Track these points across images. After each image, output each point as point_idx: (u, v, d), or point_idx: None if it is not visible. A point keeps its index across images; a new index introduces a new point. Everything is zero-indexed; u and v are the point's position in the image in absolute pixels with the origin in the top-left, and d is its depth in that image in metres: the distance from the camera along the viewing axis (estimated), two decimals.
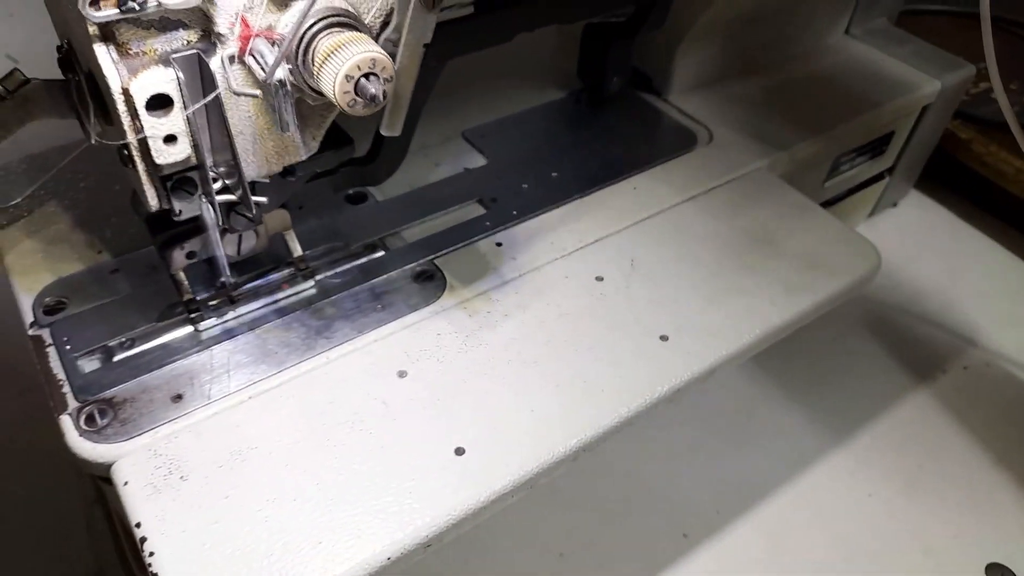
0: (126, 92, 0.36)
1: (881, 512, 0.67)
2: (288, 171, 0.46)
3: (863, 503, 0.67)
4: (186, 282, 0.49)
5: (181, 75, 0.37)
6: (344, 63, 0.36)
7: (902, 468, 0.70)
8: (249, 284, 0.52)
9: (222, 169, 0.42)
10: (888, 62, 0.82)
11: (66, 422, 0.45)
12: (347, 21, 0.38)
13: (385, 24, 0.41)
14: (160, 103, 0.37)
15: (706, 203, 0.63)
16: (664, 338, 0.53)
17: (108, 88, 0.36)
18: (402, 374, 0.49)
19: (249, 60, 0.37)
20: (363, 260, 0.56)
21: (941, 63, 0.82)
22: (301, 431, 0.45)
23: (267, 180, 0.45)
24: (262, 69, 0.37)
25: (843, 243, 0.61)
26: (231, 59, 0.38)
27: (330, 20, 0.37)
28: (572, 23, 0.61)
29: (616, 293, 0.55)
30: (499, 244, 0.58)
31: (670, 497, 0.67)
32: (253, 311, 0.52)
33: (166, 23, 0.36)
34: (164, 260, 0.48)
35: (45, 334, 0.49)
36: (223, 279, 0.50)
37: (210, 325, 0.50)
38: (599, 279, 0.56)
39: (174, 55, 0.37)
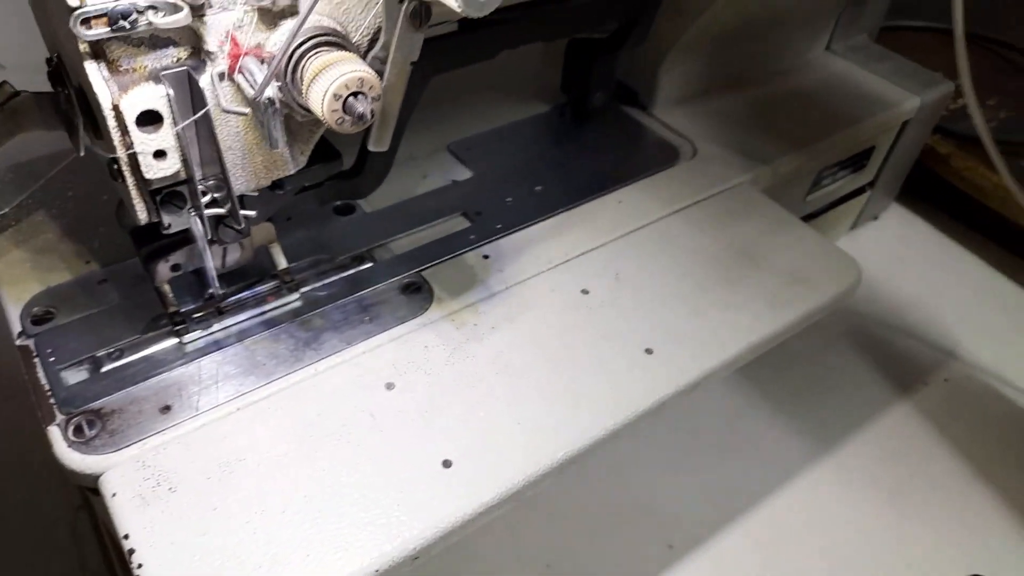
0: (116, 108, 0.36)
1: (864, 523, 0.68)
2: (277, 185, 0.46)
3: (846, 514, 0.68)
4: (171, 295, 0.50)
5: (171, 92, 0.37)
6: (332, 82, 0.36)
7: (884, 479, 0.71)
8: (234, 296, 0.52)
9: (211, 183, 0.42)
10: (869, 78, 0.84)
11: (54, 433, 0.45)
12: (335, 40, 0.38)
13: (373, 42, 0.41)
14: (150, 119, 0.38)
15: (690, 217, 0.64)
16: (649, 351, 0.53)
17: (98, 104, 0.36)
18: (390, 386, 0.49)
19: (238, 78, 0.38)
20: (351, 272, 0.56)
21: (921, 79, 0.84)
22: (289, 443, 0.46)
23: (255, 194, 0.46)
24: (251, 87, 0.37)
25: (824, 258, 0.62)
26: (221, 76, 0.38)
27: (319, 39, 0.38)
28: (555, 40, 0.62)
29: (602, 306, 0.56)
30: (486, 256, 0.59)
31: (656, 508, 0.68)
32: (238, 323, 0.52)
33: (156, 41, 0.37)
34: (149, 273, 0.49)
35: (32, 344, 0.50)
36: (211, 291, 0.50)
37: (195, 337, 0.50)
38: (585, 292, 0.57)
39: (164, 72, 0.37)
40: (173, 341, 0.50)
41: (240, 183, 0.43)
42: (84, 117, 0.39)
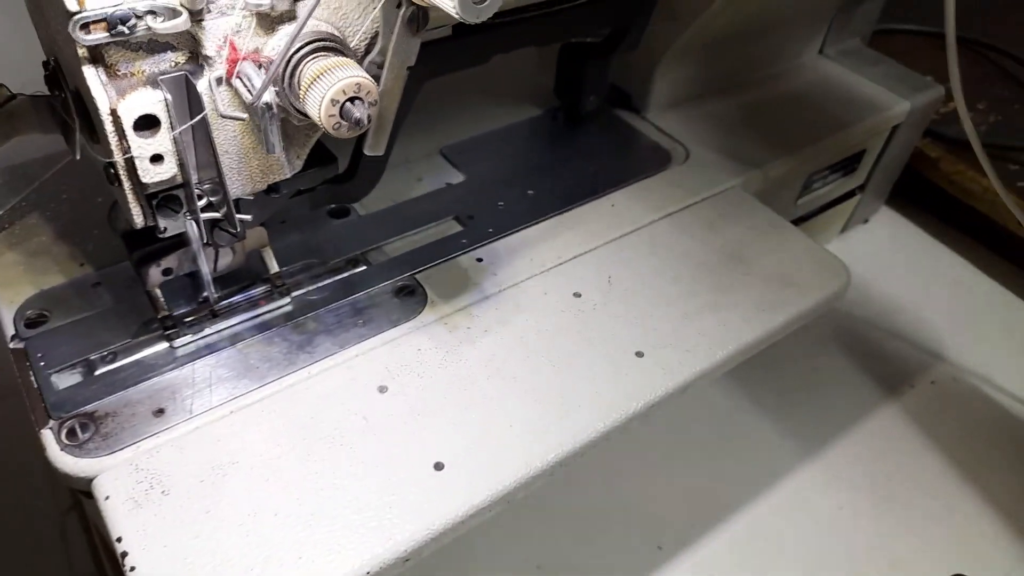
0: (114, 113, 0.36)
1: (850, 524, 0.68)
2: (272, 188, 0.46)
3: (833, 515, 0.69)
4: (162, 299, 0.49)
5: (168, 96, 0.37)
6: (330, 87, 0.36)
7: (871, 481, 0.71)
8: (226, 300, 0.52)
9: (207, 187, 0.42)
10: (860, 82, 0.84)
11: (47, 436, 0.45)
12: (333, 45, 0.39)
13: (370, 47, 0.41)
14: (147, 124, 0.38)
15: (682, 221, 0.64)
16: (640, 354, 0.54)
17: (96, 109, 0.36)
18: (383, 389, 0.50)
19: (236, 83, 0.38)
20: (344, 275, 0.56)
21: (911, 84, 0.84)
22: (282, 446, 0.46)
23: (251, 197, 0.46)
24: (249, 92, 0.38)
25: (814, 261, 0.62)
26: (218, 81, 0.38)
27: (316, 44, 0.38)
28: (548, 45, 0.62)
29: (594, 309, 0.56)
30: (480, 260, 0.59)
31: (645, 509, 0.68)
32: (230, 327, 0.52)
33: (155, 45, 0.37)
34: (140, 277, 0.49)
35: (24, 348, 0.50)
36: (205, 294, 0.50)
37: (186, 342, 0.50)
38: (577, 295, 0.57)
39: (162, 77, 0.37)
40: (164, 345, 0.50)
41: (236, 187, 0.44)
42: (81, 121, 0.40)
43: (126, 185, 0.40)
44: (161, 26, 0.35)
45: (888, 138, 0.84)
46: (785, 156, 0.73)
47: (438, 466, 0.46)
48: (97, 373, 0.48)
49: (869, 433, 0.75)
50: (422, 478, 0.45)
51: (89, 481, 0.43)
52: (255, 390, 0.48)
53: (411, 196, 0.65)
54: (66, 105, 0.41)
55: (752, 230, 0.64)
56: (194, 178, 0.41)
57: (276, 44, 0.38)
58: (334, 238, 0.59)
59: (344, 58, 0.38)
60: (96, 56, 0.36)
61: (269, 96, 0.37)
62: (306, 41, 0.38)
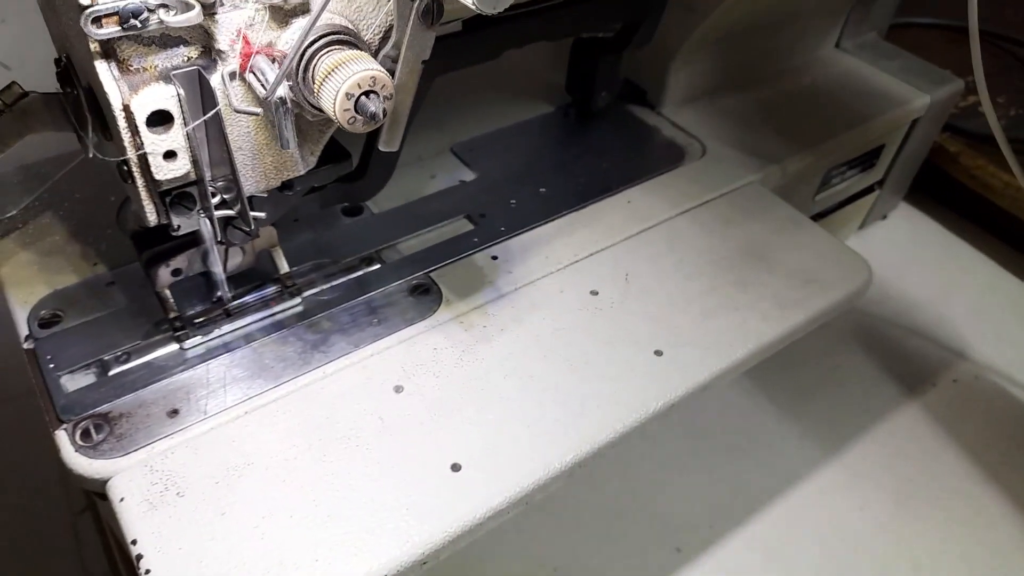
0: (127, 108, 0.36)
1: (872, 525, 0.67)
2: (286, 185, 0.46)
3: (854, 516, 0.68)
4: (172, 299, 0.49)
5: (181, 92, 0.37)
6: (344, 81, 0.36)
7: (892, 481, 0.70)
8: (237, 301, 0.52)
9: (220, 184, 0.42)
10: (878, 76, 0.83)
11: (61, 437, 0.44)
12: (347, 39, 0.38)
13: (384, 40, 0.41)
14: (160, 119, 0.37)
15: (700, 217, 0.64)
16: (659, 353, 0.53)
17: (109, 104, 0.36)
18: (398, 389, 0.49)
19: (249, 77, 0.37)
20: (359, 273, 0.56)
21: (930, 77, 0.83)
22: (298, 447, 0.45)
23: (265, 195, 0.45)
24: (262, 86, 0.37)
25: (835, 258, 0.61)
26: (232, 76, 0.38)
27: (330, 38, 0.37)
28: (560, 40, 0.61)
29: (611, 307, 0.55)
30: (495, 257, 0.58)
31: (663, 511, 0.67)
32: (239, 328, 0.51)
33: (167, 40, 0.36)
34: (149, 277, 0.48)
35: (35, 349, 0.49)
36: (219, 293, 0.50)
37: (196, 343, 0.50)
38: (594, 293, 0.56)
39: (175, 72, 0.37)
40: (174, 347, 0.50)
41: (250, 184, 0.43)
42: (93, 118, 0.39)
43: (139, 182, 0.39)
44: (173, 20, 0.34)
45: (907, 133, 0.83)
46: (803, 151, 0.72)
47: (455, 467, 0.45)
48: (111, 373, 0.48)
49: (890, 433, 0.74)
50: (439, 479, 0.45)
51: (104, 483, 0.43)
52: (270, 390, 0.48)
53: (424, 194, 0.64)
54: (78, 102, 0.40)
55: (771, 226, 0.63)
56: (207, 175, 0.41)
57: (289, 38, 0.38)
58: (347, 236, 0.59)
59: (358, 51, 0.37)
60: (108, 51, 0.35)
61: (283, 90, 0.37)
62: (320, 34, 0.37)
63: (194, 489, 0.43)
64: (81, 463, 0.43)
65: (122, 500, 0.42)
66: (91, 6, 0.33)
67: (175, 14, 0.34)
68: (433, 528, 0.42)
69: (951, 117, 0.88)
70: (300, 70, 0.37)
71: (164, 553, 0.40)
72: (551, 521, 0.66)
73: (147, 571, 0.39)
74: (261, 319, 0.52)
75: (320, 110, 0.38)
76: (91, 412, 0.46)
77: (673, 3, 0.65)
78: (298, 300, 0.53)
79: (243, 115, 0.40)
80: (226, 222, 0.44)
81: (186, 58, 0.37)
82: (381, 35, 0.41)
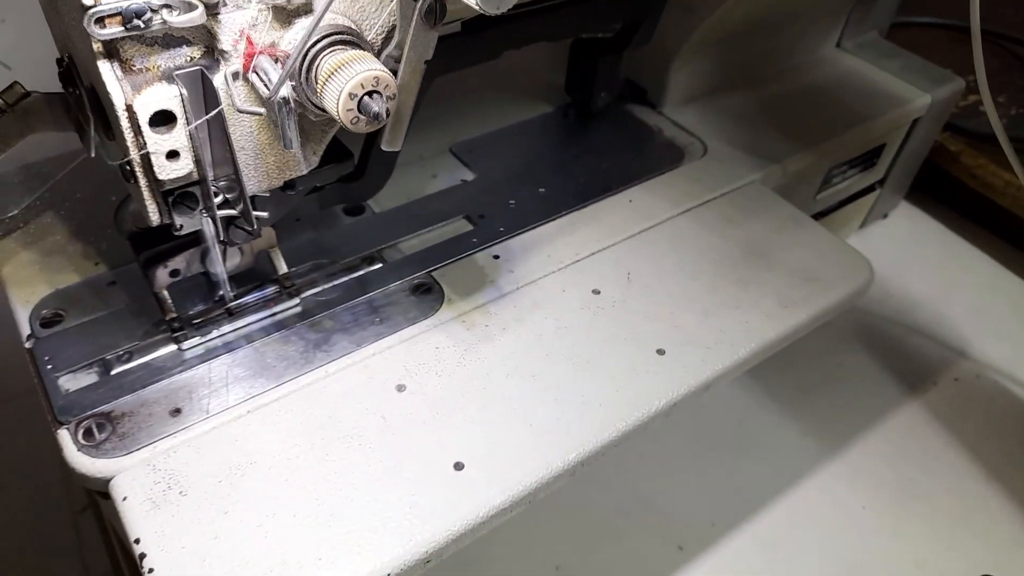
0: (129, 108, 0.36)
1: (874, 524, 0.67)
2: (288, 185, 0.46)
3: (856, 515, 0.68)
4: (170, 300, 0.49)
5: (184, 92, 0.37)
6: (348, 81, 0.36)
7: (894, 480, 0.70)
8: (235, 302, 0.51)
9: (223, 183, 0.42)
10: (879, 75, 0.83)
11: (63, 436, 0.44)
12: (350, 39, 0.38)
13: (387, 40, 0.41)
14: (163, 119, 0.37)
15: (701, 216, 0.64)
16: (661, 352, 0.53)
17: (111, 104, 0.36)
18: (401, 388, 0.49)
19: (252, 77, 0.38)
20: (360, 273, 0.56)
21: (931, 76, 0.83)
22: (300, 446, 0.45)
23: (267, 194, 0.45)
24: (265, 86, 0.37)
25: (836, 257, 0.61)
26: (235, 76, 0.38)
27: (333, 38, 0.37)
28: (559, 40, 0.61)
29: (613, 306, 0.55)
30: (496, 257, 0.58)
31: (665, 509, 0.67)
32: (240, 328, 0.51)
33: (170, 40, 0.36)
34: (147, 278, 0.48)
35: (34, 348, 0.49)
36: (221, 293, 0.50)
37: (194, 344, 0.50)
38: (596, 292, 0.56)
39: (177, 72, 0.37)
40: (172, 348, 0.50)
41: (252, 184, 0.43)
42: (96, 118, 0.39)
43: (142, 182, 0.39)
44: (176, 20, 0.34)
45: (908, 132, 0.83)
46: (804, 150, 0.72)
47: (458, 466, 0.45)
48: (113, 373, 0.48)
49: (891, 431, 0.74)
50: (442, 478, 0.45)
51: (106, 482, 0.43)
52: (272, 389, 0.48)
53: (426, 193, 0.64)
54: (80, 102, 0.40)
55: (773, 225, 0.63)
56: (210, 175, 0.41)
57: (293, 38, 0.38)
58: (349, 236, 0.59)
59: (362, 51, 0.38)
60: (111, 51, 0.35)
61: (286, 90, 0.37)
62: (323, 34, 0.37)
63: (197, 488, 0.43)
64: (84, 462, 0.43)
65: (125, 499, 0.42)
66: (94, 6, 0.33)
67: (178, 14, 0.34)
68: (436, 527, 0.42)
69: (952, 116, 0.88)
70: (303, 70, 0.37)
71: (167, 552, 0.40)
72: (553, 519, 0.66)
73: (150, 570, 0.39)
74: (260, 320, 0.52)
75: (323, 110, 0.38)
76: (90, 412, 0.46)
77: (673, 4, 0.65)
78: (296, 301, 0.53)
79: (246, 115, 0.40)
80: (228, 222, 0.44)
81: (189, 58, 0.37)
82: (384, 35, 0.41)
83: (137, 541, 0.41)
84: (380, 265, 0.57)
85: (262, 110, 0.39)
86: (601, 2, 0.61)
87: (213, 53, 0.37)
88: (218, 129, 0.39)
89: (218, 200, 0.42)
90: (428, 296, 0.55)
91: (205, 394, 0.47)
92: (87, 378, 0.48)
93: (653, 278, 0.58)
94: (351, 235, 0.59)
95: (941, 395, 0.77)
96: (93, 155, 0.41)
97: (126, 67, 0.36)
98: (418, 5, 0.38)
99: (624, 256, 0.59)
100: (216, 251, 0.46)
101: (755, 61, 0.79)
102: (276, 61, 0.37)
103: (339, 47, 0.37)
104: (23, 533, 0.74)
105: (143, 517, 0.41)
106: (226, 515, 0.42)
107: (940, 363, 0.80)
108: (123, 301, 0.52)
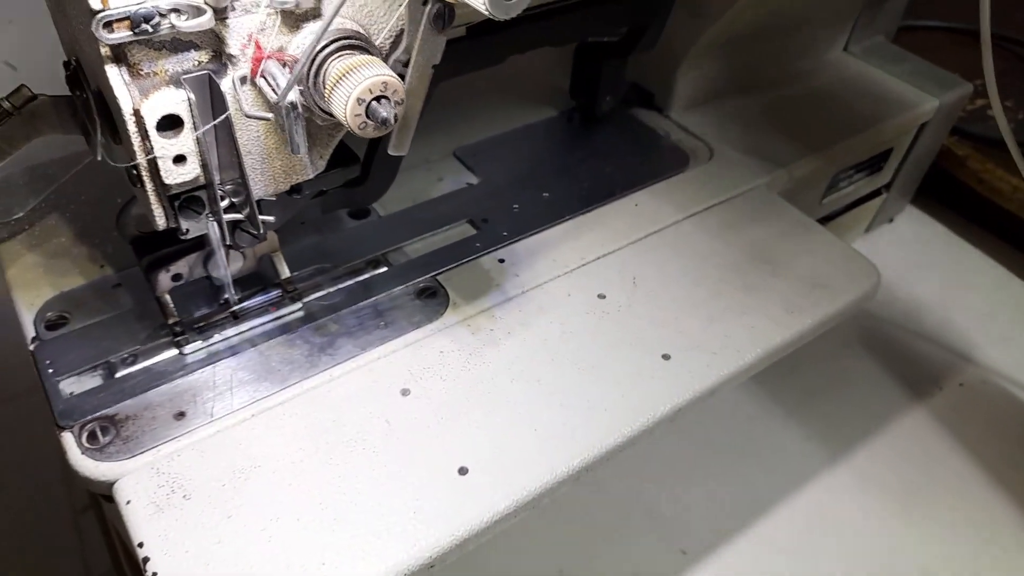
0: (137, 113, 0.36)
1: (878, 528, 0.67)
2: (295, 189, 0.46)
3: (860, 519, 0.68)
4: (172, 305, 0.49)
5: (192, 96, 0.37)
6: (356, 86, 0.36)
7: (899, 485, 0.70)
8: (238, 306, 0.51)
9: (229, 188, 0.42)
10: (886, 80, 0.83)
11: (67, 439, 0.44)
12: (358, 43, 0.38)
13: (395, 45, 0.41)
14: (170, 124, 0.37)
15: (707, 221, 0.63)
16: (667, 357, 0.53)
17: (119, 108, 0.36)
18: (405, 392, 0.49)
19: (260, 82, 0.37)
20: (365, 276, 0.56)
21: (938, 81, 0.83)
22: (304, 449, 0.45)
23: (273, 198, 0.45)
24: (273, 91, 0.37)
25: (843, 262, 0.61)
26: (242, 80, 0.38)
27: (341, 43, 0.37)
28: (564, 45, 0.61)
29: (619, 311, 0.55)
30: (501, 260, 0.58)
31: (669, 513, 0.67)
32: (243, 333, 0.51)
33: (178, 44, 0.36)
34: (149, 283, 0.48)
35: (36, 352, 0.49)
36: (226, 296, 0.50)
37: (195, 348, 0.50)
38: (601, 297, 0.56)
39: (185, 76, 0.37)
40: (173, 352, 0.49)
41: (259, 188, 0.43)
42: (102, 121, 0.39)
43: (148, 186, 0.39)
44: (185, 24, 0.34)
45: (915, 136, 0.83)
46: (811, 155, 0.72)
47: (463, 470, 0.45)
48: (117, 376, 0.48)
49: (896, 436, 0.74)
50: (446, 483, 0.45)
51: (110, 485, 0.43)
52: (276, 393, 0.48)
53: (431, 197, 0.64)
54: (87, 106, 0.40)
55: (779, 230, 0.63)
56: (217, 179, 0.41)
57: (301, 42, 0.38)
58: (354, 239, 0.59)
59: (370, 56, 0.37)
60: (119, 55, 0.35)
61: (294, 95, 0.37)
62: (331, 39, 0.37)
63: (201, 492, 0.43)
64: (87, 466, 0.43)
65: (129, 503, 0.42)
66: (102, 10, 0.32)
67: (187, 19, 0.34)
68: (440, 532, 0.42)
69: (959, 120, 0.88)
70: (311, 75, 0.37)
71: (171, 556, 0.40)
72: (557, 522, 0.65)
73: (154, 574, 0.39)
74: (263, 323, 0.52)
75: (331, 115, 0.38)
76: (92, 416, 0.45)
77: (680, 8, 0.65)
78: (299, 305, 0.53)
79: (253, 119, 0.39)
80: (234, 226, 0.44)
81: (197, 62, 0.37)
82: (392, 40, 0.40)
83: (141, 545, 0.40)
84: (384, 269, 0.57)
85: (270, 115, 0.39)
86: (607, 7, 0.61)
87: (221, 57, 0.37)
88: (225, 133, 0.39)
89: (224, 204, 0.42)
90: (433, 300, 0.54)
91: (209, 398, 0.47)
92: (91, 381, 0.48)
93: (658, 283, 0.58)
94: (355, 238, 0.59)
95: (946, 400, 0.77)
96: (99, 158, 0.41)
97: (134, 71, 0.36)
98: (427, 10, 0.37)
99: (629, 261, 0.59)
100: (221, 255, 0.46)
101: (762, 65, 0.79)
102: (284, 66, 0.37)
103: (347, 52, 0.37)
104: (24, 533, 0.74)
105: (147, 521, 0.41)
106: (230, 519, 0.42)
107: (946, 368, 0.80)
108: (128, 304, 0.52)
